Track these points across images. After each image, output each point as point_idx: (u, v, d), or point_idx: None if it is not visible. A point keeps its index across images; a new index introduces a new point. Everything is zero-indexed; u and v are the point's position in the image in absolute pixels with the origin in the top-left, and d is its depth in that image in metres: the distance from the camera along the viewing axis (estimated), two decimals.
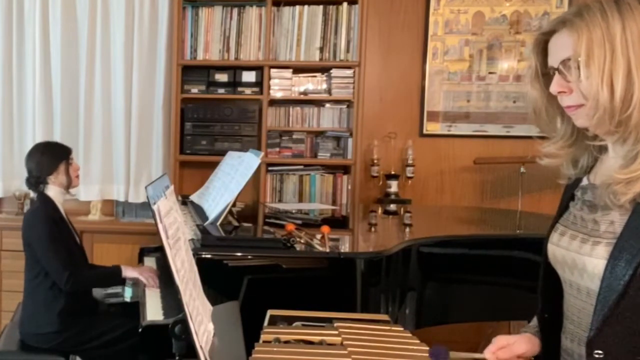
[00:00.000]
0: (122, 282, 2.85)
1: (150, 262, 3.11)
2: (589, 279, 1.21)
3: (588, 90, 1.14)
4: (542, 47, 1.25)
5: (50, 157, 2.86)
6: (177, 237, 1.30)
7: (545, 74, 1.25)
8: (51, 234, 2.73)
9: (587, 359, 1.18)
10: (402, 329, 1.52)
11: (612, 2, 1.15)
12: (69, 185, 2.90)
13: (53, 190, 2.86)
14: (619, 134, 1.16)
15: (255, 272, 2.10)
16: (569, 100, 1.19)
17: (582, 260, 1.22)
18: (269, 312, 1.57)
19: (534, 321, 1.44)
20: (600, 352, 1.15)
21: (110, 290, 3.15)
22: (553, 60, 1.21)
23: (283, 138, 3.93)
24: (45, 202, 2.83)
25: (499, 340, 1.36)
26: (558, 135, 1.28)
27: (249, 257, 2.15)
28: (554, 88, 1.20)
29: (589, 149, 1.26)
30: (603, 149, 1.25)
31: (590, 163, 1.28)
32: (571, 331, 1.28)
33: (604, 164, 1.24)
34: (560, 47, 1.19)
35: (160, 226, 1.17)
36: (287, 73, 3.86)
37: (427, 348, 1.38)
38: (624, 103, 1.12)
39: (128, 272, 2.80)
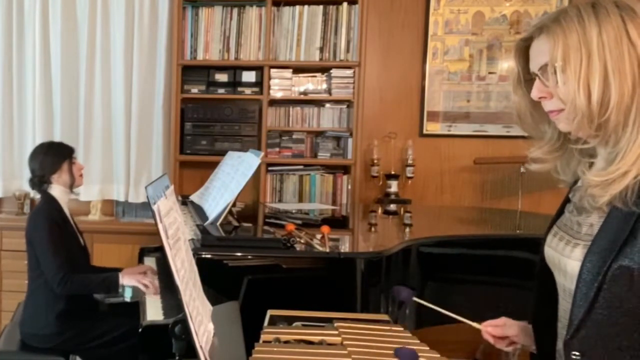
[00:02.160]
0: (117, 289, 2.77)
1: (150, 262, 3.11)
2: (569, 281, 1.22)
3: (565, 95, 1.15)
4: (524, 53, 1.26)
5: (53, 156, 2.86)
6: (177, 237, 1.30)
7: (528, 80, 1.25)
8: (52, 234, 2.72)
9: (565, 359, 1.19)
10: (402, 329, 1.52)
11: (589, 6, 1.15)
12: (72, 184, 2.91)
13: (57, 190, 2.86)
14: (600, 137, 1.17)
15: (255, 272, 2.10)
16: (550, 105, 1.20)
17: (564, 262, 1.24)
18: (269, 312, 1.57)
19: None
20: (577, 353, 1.17)
21: None
22: (533, 66, 1.22)
23: (283, 138, 3.93)
24: (49, 202, 2.84)
25: (498, 320, 1.50)
26: (544, 139, 1.29)
27: (249, 257, 2.15)
28: (534, 94, 1.21)
29: (578, 152, 1.26)
30: (593, 153, 1.25)
31: (583, 166, 1.28)
32: (562, 334, 1.28)
33: (595, 166, 1.24)
34: (538, 53, 1.20)
35: (160, 226, 1.17)
36: (287, 73, 3.86)
37: (427, 348, 1.38)
38: (601, 107, 1.12)
39: (125, 280, 2.70)
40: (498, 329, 1.47)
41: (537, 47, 1.21)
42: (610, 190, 1.12)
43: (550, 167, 1.30)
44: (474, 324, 1.49)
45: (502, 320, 1.49)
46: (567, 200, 1.33)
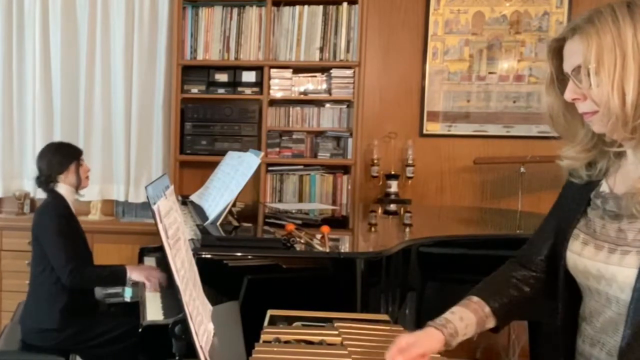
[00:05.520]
0: (124, 283, 2.82)
1: (150, 262, 3.10)
2: (618, 289, 1.18)
3: (599, 98, 1.13)
4: (557, 53, 1.23)
5: (61, 156, 2.89)
6: (177, 237, 1.30)
7: (562, 80, 1.23)
8: (59, 227, 2.75)
9: None
10: (402, 329, 1.52)
11: (624, 6, 1.13)
12: (78, 186, 2.93)
13: (63, 189, 2.89)
14: (636, 140, 1.15)
15: (255, 272, 2.10)
16: (583, 107, 1.18)
17: (610, 271, 1.19)
18: (269, 312, 1.57)
19: (448, 314, 1.36)
20: None
21: (110, 290, 3.14)
22: (567, 67, 1.20)
23: (283, 138, 3.93)
24: (57, 198, 2.87)
25: (399, 342, 1.27)
26: (577, 139, 1.26)
27: (249, 257, 2.15)
28: (567, 95, 1.19)
29: (608, 153, 1.24)
30: (622, 154, 1.23)
31: (609, 166, 1.26)
32: (591, 336, 1.26)
33: (624, 169, 1.22)
34: (571, 55, 1.18)
35: (160, 226, 1.17)
36: (287, 73, 3.86)
37: None
38: (637, 109, 1.10)
39: (134, 275, 2.74)
40: (406, 354, 1.25)
41: (570, 48, 1.19)
42: None
43: (580, 165, 1.27)
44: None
45: (403, 341, 1.26)
46: (586, 203, 1.28)
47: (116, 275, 2.78)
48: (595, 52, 1.12)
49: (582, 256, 1.25)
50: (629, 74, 1.10)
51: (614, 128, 1.14)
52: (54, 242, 2.73)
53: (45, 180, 2.88)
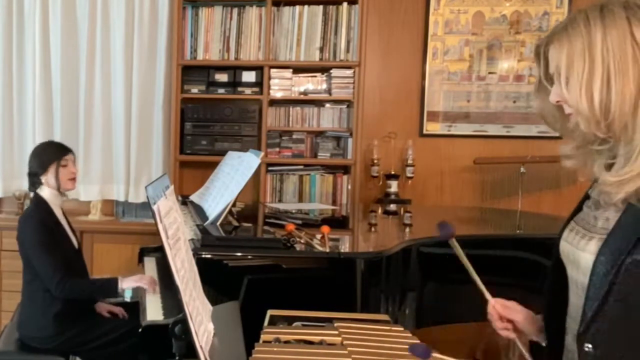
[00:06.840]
0: (116, 294, 2.75)
1: (150, 262, 3.11)
2: (582, 274, 1.23)
3: (571, 100, 1.17)
4: (544, 57, 1.27)
5: (43, 157, 2.80)
6: (177, 237, 1.30)
7: (551, 82, 1.27)
8: (41, 238, 2.68)
9: (578, 352, 1.20)
10: (402, 329, 1.52)
11: (596, 10, 1.16)
12: (58, 188, 2.82)
13: (47, 191, 2.81)
14: (615, 138, 1.18)
15: (255, 272, 2.10)
16: (567, 108, 1.22)
17: (578, 255, 1.25)
18: (269, 312, 1.57)
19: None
20: (589, 345, 1.17)
21: None
22: (550, 71, 1.24)
23: (283, 138, 3.93)
24: (39, 204, 2.79)
25: (511, 301, 1.46)
26: (573, 137, 1.29)
27: (249, 257, 2.15)
28: (551, 98, 1.24)
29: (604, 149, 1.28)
30: (614, 151, 1.25)
31: (602, 163, 1.28)
32: (572, 328, 1.29)
33: (615, 164, 1.25)
34: (551, 60, 1.23)
35: (160, 226, 1.17)
36: (287, 73, 3.86)
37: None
38: (605, 111, 1.13)
39: (125, 283, 2.67)
40: (506, 310, 1.45)
41: (549, 54, 1.23)
42: (626, 189, 1.14)
43: (580, 163, 1.30)
44: (487, 294, 1.48)
45: (513, 302, 1.46)
46: (586, 197, 1.33)
47: (107, 288, 2.73)
48: (567, 57, 1.17)
49: (567, 242, 1.31)
50: (596, 77, 1.13)
51: (590, 128, 1.18)
52: (38, 254, 2.68)
53: (32, 181, 2.82)
